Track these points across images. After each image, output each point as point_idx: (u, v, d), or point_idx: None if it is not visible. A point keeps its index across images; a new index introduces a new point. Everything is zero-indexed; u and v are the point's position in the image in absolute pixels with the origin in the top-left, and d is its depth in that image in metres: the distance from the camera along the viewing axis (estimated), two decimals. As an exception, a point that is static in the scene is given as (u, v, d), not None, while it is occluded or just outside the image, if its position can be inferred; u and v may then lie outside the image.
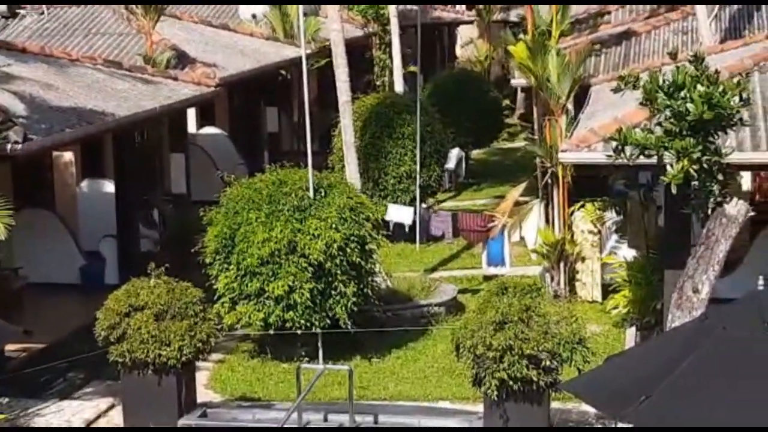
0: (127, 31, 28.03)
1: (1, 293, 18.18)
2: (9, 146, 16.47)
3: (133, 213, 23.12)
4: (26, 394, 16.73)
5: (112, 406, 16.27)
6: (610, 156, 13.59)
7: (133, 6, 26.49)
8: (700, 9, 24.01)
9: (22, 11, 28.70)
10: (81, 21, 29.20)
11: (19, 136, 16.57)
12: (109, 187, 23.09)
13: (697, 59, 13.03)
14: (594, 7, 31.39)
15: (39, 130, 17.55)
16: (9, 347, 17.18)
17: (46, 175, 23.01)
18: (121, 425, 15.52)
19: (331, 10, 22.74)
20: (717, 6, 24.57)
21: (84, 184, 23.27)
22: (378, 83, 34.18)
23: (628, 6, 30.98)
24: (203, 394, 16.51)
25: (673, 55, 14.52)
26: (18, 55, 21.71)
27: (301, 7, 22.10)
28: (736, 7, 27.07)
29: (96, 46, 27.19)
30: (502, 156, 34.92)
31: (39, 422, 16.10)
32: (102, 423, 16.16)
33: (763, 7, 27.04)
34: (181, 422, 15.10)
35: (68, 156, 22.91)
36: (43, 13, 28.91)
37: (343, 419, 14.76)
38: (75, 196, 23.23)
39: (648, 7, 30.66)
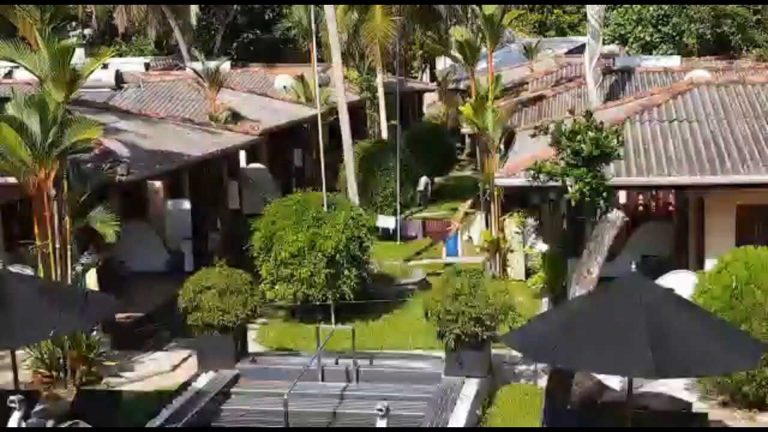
0: (198, 97, 29.14)
1: (112, 278, 18.76)
2: (117, 177, 17.60)
3: (203, 222, 23.84)
4: (131, 347, 17.73)
5: (189, 356, 17.01)
6: (529, 181, 14.94)
7: (201, 80, 28.04)
8: (590, 80, 24.24)
9: (125, 85, 29.66)
10: (166, 91, 30.51)
11: (124, 170, 17.76)
12: (186, 204, 23.76)
13: (588, 114, 14.37)
14: (518, 79, 31.80)
15: (138, 166, 18.39)
16: (118, 315, 17.50)
17: (143, 197, 23.55)
18: (196, 370, 16.12)
19: (338, 82, 23.80)
20: (601, 77, 25.01)
21: (169, 202, 23.89)
22: (370, 132, 35.04)
23: (541, 78, 31.38)
24: (252, 347, 17.38)
25: (572, 112, 16.05)
26: (123, 115, 22.52)
27: (317, 81, 23.81)
28: (614, 77, 27.50)
29: (176, 108, 28.34)
30: (456, 181, 35.00)
31: (139, 367, 16.90)
32: (183, 367, 16.80)
33: (633, 77, 27.86)
34: (238, 366, 16.05)
35: (158, 184, 23.57)
36: (140, 85, 30.01)
37: (348, 362, 15.80)
38: (163, 211, 23.81)
39: (554, 77, 31.24)
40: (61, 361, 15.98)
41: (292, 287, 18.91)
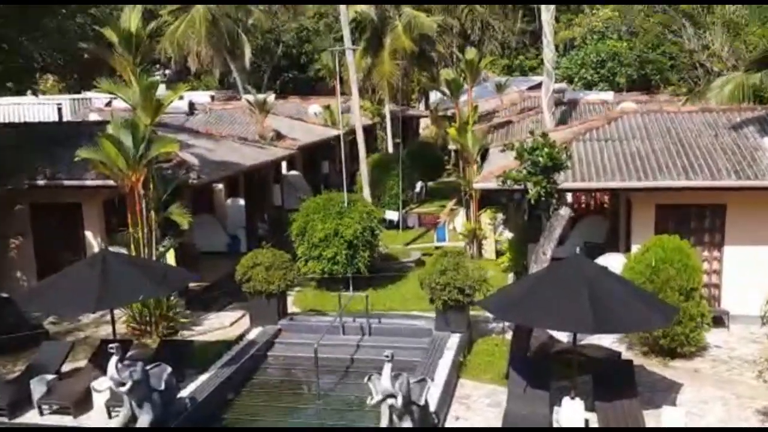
0: (250, 121, 28.87)
1: (186, 257, 18.13)
2: (190, 181, 17.51)
3: (254, 215, 23.60)
4: (200, 308, 17.82)
5: (243, 315, 17.02)
6: (499, 185, 15.04)
7: (253, 108, 27.74)
8: (545, 109, 24.01)
9: (196, 112, 29.72)
10: (226, 116, 30.33)
11: (195, 176, 17.73)
12: (241, 201, 23.85)
13: (544, 135, 14.54)
14: (491, 108, 31.77)
15: (205, 173, 18.24)
16: (190, 284, 17.47)
17: (209, 196, 23.73)
18: (248, 325, 16.07)
19: (356, 110, 23.74)
20: (554, 107, 24.76)
21: (229, 200, 24.11)
22: (379, 148, 34.78)
23: (508, 108, 31.27)
24: (290, 308, 17.35)
25: (532, 133, 15.14)
26: (194, 134, 22.49)
27: (340, 110, 23.47)
28: (563, 107, 27.21)
29: (234, 129, 28.09)
30: (444, 185, 34.38)
31: (207, 324, 16.83)
32: (238, 324, 16.74)
33: (578, 107, 27.48)
34: (280, 322, 15.97)
35: (220, 186, 23.67)
36: (207, 112, 30.02)
37: (363, 321, 15.77)
38: (224, 207, 24.02)
39: (518, 107, 30.95)
40: (148, 318, 16.07)
41: (320, 264, 18.83)
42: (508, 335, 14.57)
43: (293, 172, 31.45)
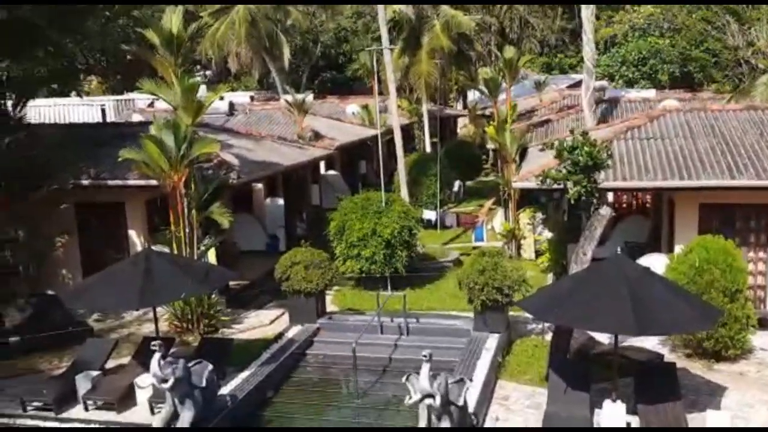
0: (289, 121, 29.20)
1: (226, 255, 18.47)
2: (230, 180, 17.44)
3: (293, 214, 23.81)
4: (240, 307, 17.89)
5: (283, 313, 17.07)
6: (538, 184, 14.68)
7: (291, 108, 27.91)
8: (586, 107, 23.82)
9: (235, 112, 29.92)
10: (265, 116, 30.68)
11: (235, 175, 17.66)
12: (281, 201, 23.77)
13: (584, 133, 14.18)
14: (529, 107, 31.18)
15: (245, 172, 18.26)
16: (231, 283, 17.60)
17: (249, 196, 23.45)
18: (288, 324, 16.13)
19: (393, 109, 23.60)
20: (594, 105, 24.47)
21: (268, 200, 23.93)
22: (417, 147, 34.90)
23: (547, 106, 30.72)
24: (329, 307, 17.35)
25: (572, 131, 14.58)
26: (234, 135, 22.54)
27: (377, 109, 23.64)
28: (604, 106, 26.70)
29: (273, 129, 28.28)
30: (482, 185, 34.63)
31: (246, 322, 16.91)
32: (278, 322, 16.82)
33: (619, 105, 26.92)
34: (318, 321, 16.02)
35: (260, 185, 23.49)
36: (246, 113, 30.19)
37: (400, 320, 15.71)
38: (263, 206, 23.84)
39: (558, 105, 30.58)
40: (189, 316, 16.21)
41: (358, 263, 18.84)
42: (548, 336, 14.44)
43: (331, 172, 31.50)
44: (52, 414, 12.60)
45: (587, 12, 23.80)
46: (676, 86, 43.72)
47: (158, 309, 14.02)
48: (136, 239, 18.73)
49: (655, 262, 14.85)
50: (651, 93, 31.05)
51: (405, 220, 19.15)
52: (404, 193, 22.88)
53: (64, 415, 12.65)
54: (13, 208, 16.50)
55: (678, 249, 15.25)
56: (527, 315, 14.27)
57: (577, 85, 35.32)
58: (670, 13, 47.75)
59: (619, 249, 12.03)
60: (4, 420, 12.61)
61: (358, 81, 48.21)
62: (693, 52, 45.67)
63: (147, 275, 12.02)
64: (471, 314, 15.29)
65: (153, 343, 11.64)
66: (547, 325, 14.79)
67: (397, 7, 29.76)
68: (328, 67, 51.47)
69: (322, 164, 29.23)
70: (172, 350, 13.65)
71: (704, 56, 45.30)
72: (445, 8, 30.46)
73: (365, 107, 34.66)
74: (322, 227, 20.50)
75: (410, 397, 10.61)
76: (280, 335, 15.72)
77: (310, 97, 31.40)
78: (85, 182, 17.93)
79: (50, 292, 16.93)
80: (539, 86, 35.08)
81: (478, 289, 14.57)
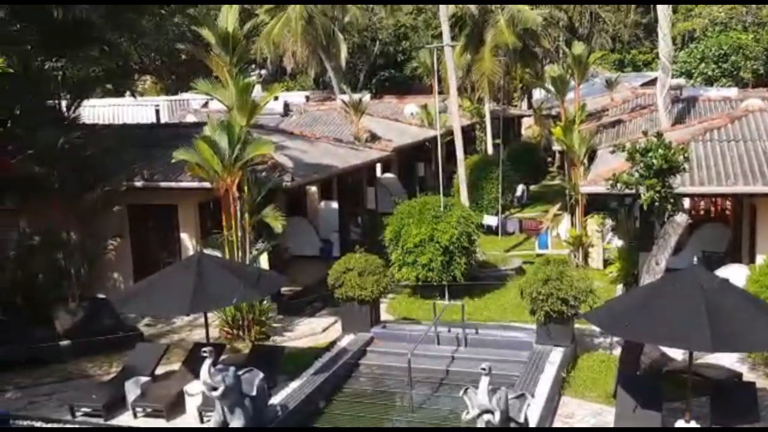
0: (345, 122, 29.49)
1: (279, 260, 19.04)
2: (284, 183, 17.82)
3: (348, 218, 23.96)
4: (291, 313, 18.03)
5: (335, 321, 17.12)
6: (608, 189, 14.62)
7: (348, 108, 28.19)
8: (661, 107, 23.61)
9: (291, 113, 30.30)
10: (321, 117, 31.00)
11: (289, 178, 18.03)
12: (335, 204, 23.99)
13: (659, 135, 13.90)
14: (599, 107, 30.66)
15: (299, 175, 18.58)
16: (283, 288, 17.76)
17: (302, 199, 23.73)
18: (340, 332, 16.15)
19: (454, 109, 23.69)
20: (670, 105, 24.19)
21: (322, 203, 24.15)
22: (478, 149, 34.89)
23: (619, 106, 30.13)
24: (384, 316, 17.40)
25: (645, 133, 14.57)
26: (288, 136, 22.84)
27: (437, 109, 23.65)
28: (681, 105, 26.28)
29: (329, 130, 28.63)
30: (547, 189, 34.48)
31: (298, 329, 17.10)
32: (330, 330, 16.94)
33: (697, 104, 26.38)
34: (372, 330, 16.03)
35: (314, 188, 23.79)
36: (302, 113, 30.58)
37: (458, 331, 15.64)
38: (317, 210, 24.09)
39: (630, 105, 29.87)
40: (240, 322, 16.36)
41: (415, 270, 18.82)
42: (616, 351, 14.23)
43: (388, 175, 31.72)
44: (101, 420, 12.88)
45: (664, 6, 23.35)
46: (760, 84, 42.51)
47: (209, 314, 14.16)
48: (188, 242, 19.00)
49: (735, 274, 14.50)
50: (732, 92, 30.13)
51: (464, 226, 19.10)
52: (464, 197, 22.89)
53: (113, 421, 12.91)
54: (67, 209, 16.93)
55: (760, 260, 15.15)
56: (594, 328, 14.09)
57: (652, 83, 34.50)
58: (754, 5, 46.40)
59: (695, 259, 12.02)
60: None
61: (417, 80, 48.36)
62: (779, 48, 44.33)
63: (198, 279, 12.17)
64: (533, 326, 15.16)
65: (203, 349, 11.74)
66: (615, 339, 14.60)
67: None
68: (386, 65, 51.65)
69: (378, 167, 29.41)
70: (222, 357, 13.78)
71: (791, 51, 43.93)
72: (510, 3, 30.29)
73: (424, 107, 34.78)
74: (377, 232, 20.63)
75: (468, 413, 10.48)
76: (332, 344, 15.77)
77: (367, 96, 31.64)
78: (138, 184, 18.38)
79: (101, 296, 17.33)
80: (610, 84, 34.53)
81: (542, 300, 14.44)
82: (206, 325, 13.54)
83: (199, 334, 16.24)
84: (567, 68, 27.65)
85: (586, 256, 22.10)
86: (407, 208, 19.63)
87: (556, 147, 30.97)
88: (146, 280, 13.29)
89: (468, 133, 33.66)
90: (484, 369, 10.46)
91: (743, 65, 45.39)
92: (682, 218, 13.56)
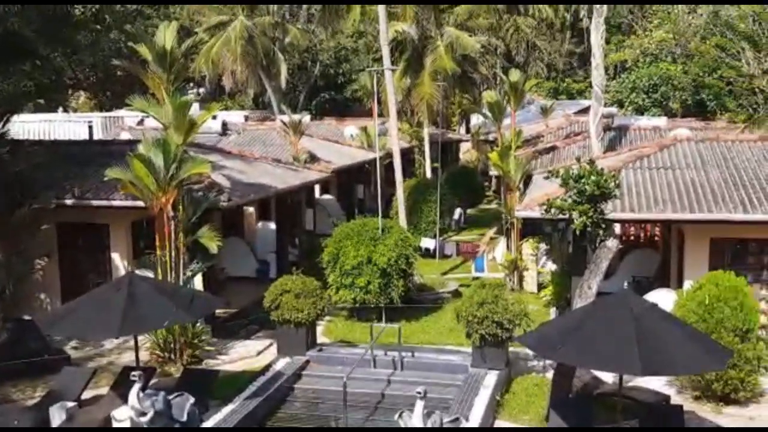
0: (284, 142, 29.37)
1: (214, 282, 18.83)
2: (220, 203, 17.53)
3: (285, 240, 23.62)
4: (226, 336, 17.77)
5: (271, 344, 16.94)
6: (542, 213, 14.88)
7: (287, 129, 28.06)
8: (593, 135, 24.02)
9: (229, 132, 30.13)
10: (260, 137, 30.91)
11: (226, 198, 17.70)
12: (272, 225, 23.85)
13: (591, 162, 14.68)
14: (535, 133, 31.27)
15: (236, 195, 18.31)
16: (217, 311, 17.38)
17: (239, 219, 23.68)
18: (276, 355, 16.02)
19: (393, 132, 23.78)
20: (602, 133, 24.72)
21: (259, 224, 24.14)
22: (417, 172, 35.53)
23: (553, 132, 30.94)
24: (320, 338, 17.17)
25: (578, 159, 15.25)
26: (226, 155, 22.70)
27: (377, 132, 24.01)
28: (612, 133, 27.13)
29: (267, 150, 28.40)
30: (484, 212, 35.04)
31: (232, 352, 16.86)
32: (266, 353, 16.71)
33: (628, 133, 27.36)
34: (308, 353, 15.89)
35: (251, 209, 23.75)
36: (240, 133, 30.48)
37: (395, 354, 15.69)
38: (255, 230, 24.04)
39: (564, 131, 30.55)
40: (172, 345, 16.11)
41: (352, 293, 18.79)
42: (549, 374, 14.34)
43: (327, 196, 31.67)
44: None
45: (596, 36, 24.01)
46: (688, 114, 43.86)
47: (140, 337, 13.92)
48: (120, 263, 18.65)
49: (663, 299, 14.75)
50: (662, 121, 31.10)
51: (402, 248, 19.09)
52: (402, 219, 22.93)
53: (36, 448, 12.50)
54: (-7, 227, 16.44)
55: (687, 285, 15.17)
56: (528, 351, 14.18)
57: (585, 111, 35.17)
58: (683, 38, 48.09)
59: (625, 283, 12.10)
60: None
61: (357, 102, 48.51)
62: (706, 79, 45.85)
63: (129, 301, 11.92)
64: (469, 349, 15.19)
65: (133, 373, 11.52)
66: (548, 362, 14.65)
67: (399, 26, 29.96)
68: (327, 87, 51.69)
69: (317, 188, 29.33)
70: (152, 381, 13.53)
71: (718, 83, 45.43)
72: (450, 29, 30.70)
73: (364, 129, 34.89)
74: (315, 254, 20.51)
75: (402, 437, 10.51)
76: (267, 367, 15.61)
77: (306, 117, 31.52)
78: (69, 202, 17.98)
79: (27, 317, 16.83)
80: (545, 111, 35.18)
81: (477, 323, 14.49)
82: (136, 349, 13.23)
83: (128, 358, 15.88)
84: (504, 94, 27.97)
85: (521, 279, 22.27)
86: (345, 230, 19.61)
87: (493, 172, 30.76)
88: (75, 301, 12.96)
89: (407, 156, 33.74)
90: (419, 393, 10.47)
91: (672, 96, 46.81)
92: (612, 243, 13.91)
